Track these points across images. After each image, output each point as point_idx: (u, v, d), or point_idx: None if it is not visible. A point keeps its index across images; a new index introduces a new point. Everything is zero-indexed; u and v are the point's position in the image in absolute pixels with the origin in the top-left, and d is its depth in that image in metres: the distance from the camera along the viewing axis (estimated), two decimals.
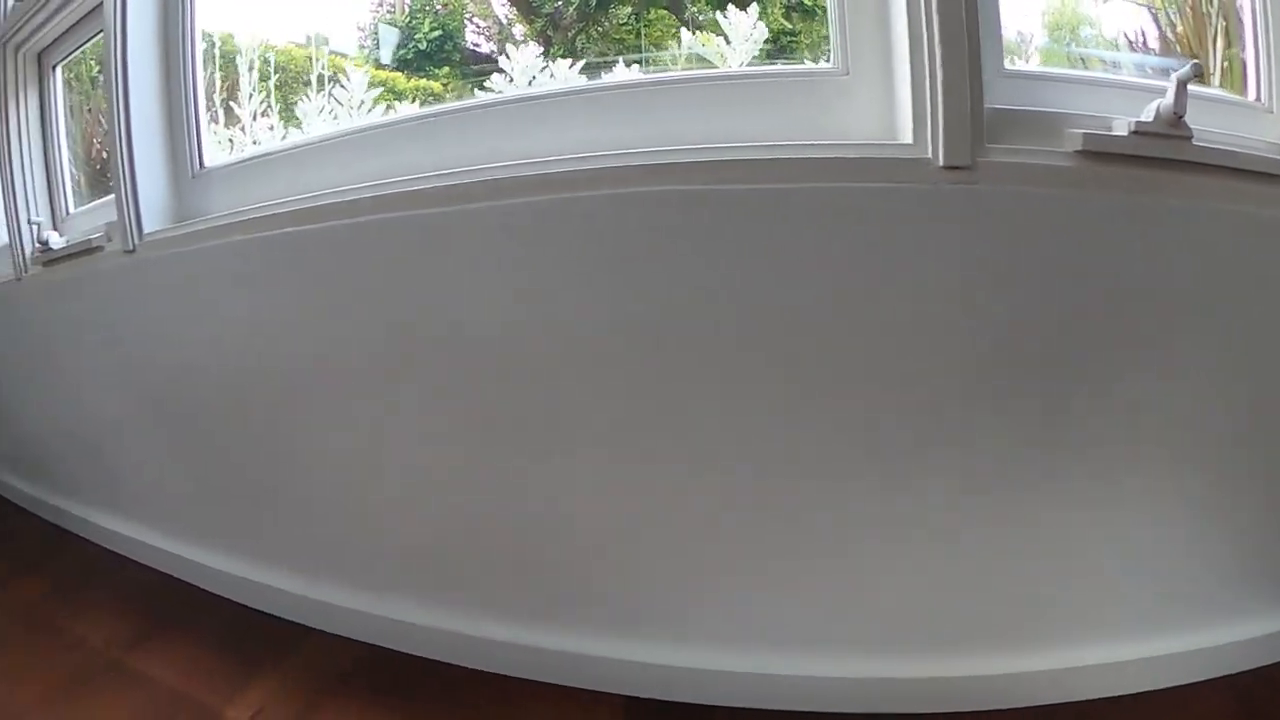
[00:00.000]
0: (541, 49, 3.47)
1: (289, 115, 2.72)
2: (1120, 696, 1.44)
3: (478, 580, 1.67)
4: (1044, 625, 1.42)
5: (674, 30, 3.36)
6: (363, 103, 2.09)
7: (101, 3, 2.20)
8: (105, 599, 2.33)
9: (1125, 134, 1.25)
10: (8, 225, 2.57)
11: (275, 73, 2.47)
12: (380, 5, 3.61)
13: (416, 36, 3.40)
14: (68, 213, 2.58)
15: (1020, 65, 1.60)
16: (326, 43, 3.44)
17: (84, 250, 2.18)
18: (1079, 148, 1.23)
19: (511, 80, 2.01)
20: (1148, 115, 1.25)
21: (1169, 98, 1.24)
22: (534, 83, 2.04)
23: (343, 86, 2.13)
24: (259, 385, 1.83)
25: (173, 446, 2.18)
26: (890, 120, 1.30)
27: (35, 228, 2.39)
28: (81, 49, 2.55)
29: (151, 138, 1.99)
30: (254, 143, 2.26)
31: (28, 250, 2.52)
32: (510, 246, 1.41)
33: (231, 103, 2.29)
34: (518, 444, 1.51)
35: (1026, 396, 1.29)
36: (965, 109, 1.20)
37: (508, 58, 2.09)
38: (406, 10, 3.48)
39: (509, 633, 1.62)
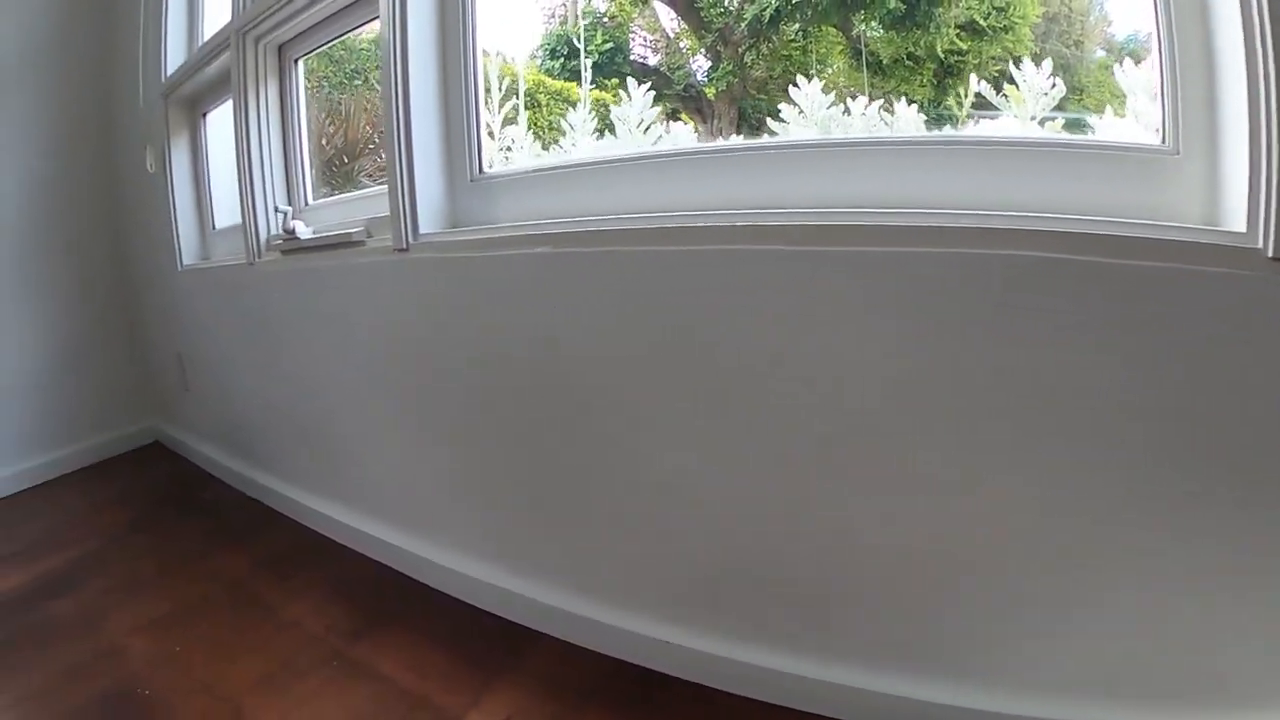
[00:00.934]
0: (711, 63, 3.59)
1: (540, 127, 2.84)
2: None
3: (756, 607, 1.66)
4: None
5: (840, 47, 3.44)
6: (641, 122, 2.10)
7: (347, 6, 2.36)
8: (318, 583, 2.35)
9: None
10: (243, 211, 2.67)
11: (523, 85, 2.57)
12: (553, 17, 3.74)
13: (589, 49, 3.54)
14: (306, 203, 2.67)
15: None
16: (504, 55, 3.59)
17: (340, 243, 2.27)
18: None
19: (802, 112, 1.98)
20: None
21: None
22: (822, 122, 2.01)
23: (622, 103, 2.15)
24: (539, 393, 1.86)
25: (419, 444, 2.22)
26: (1217, 205, 1.27)
27: (282, 216, 2.47)
28: (326, 46, 2.66)
29: (429, 139, 2.04)
30: (503, 150, 2.34)
31: (264, 236, 2.64)
32: (857, 289, 1.42)
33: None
34: (833, 478, 1.51)
35: None
36: None
37: (797, 86, 2.02)
38: (579, 23, 3.61)
39: (782, 662, 1.62)
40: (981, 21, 2.89)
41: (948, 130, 1.96)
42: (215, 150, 3.18)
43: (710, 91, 3.65)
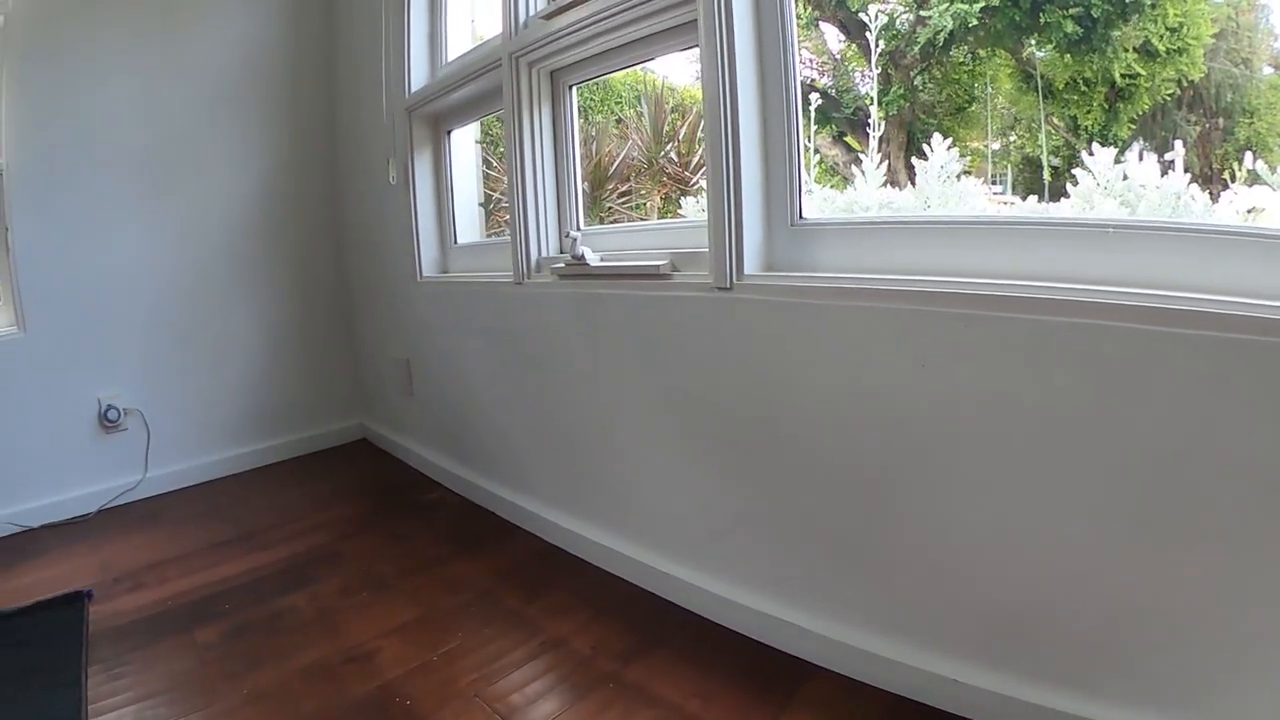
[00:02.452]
0: (881, 86, 3.67)
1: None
2: None
3: (1042, 648, 1.71)
4: None
5: (1008, 70, 3.52)
6: (941, 174, 2.19)
7: (629, 42, 2.47)
8: (573, 602, 2.34)
9: None
10: (513, 232, 2.80)
11: None
12: None
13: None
14: (577, 228, 2.78)
15: None
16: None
17: (646, 274, 2.36)
18: None
19: (1097, 181, 2.04)
20: None
21: None
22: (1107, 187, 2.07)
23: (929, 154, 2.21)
24: (861, 442, 1.92)
25: (710, 474, 2.27)
26: None
27: (572, 241, 2.56)
28: (601, 77, 2.77)
29: (751, 179, 2.12)
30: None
31: (534, 257, 2.77)
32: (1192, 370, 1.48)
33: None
34: (1121, 533, 1.58)
35: None
36: None
37: (1091, 153, 2.08)
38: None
39: (1075, 705, 1.66)
40: (1157, 43, 2.96)
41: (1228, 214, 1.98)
42: (458, 168, 3.31)
43: (880, 115, 3.72)
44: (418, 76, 3.25)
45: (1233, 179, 2.10)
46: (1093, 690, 1.64)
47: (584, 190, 2.97)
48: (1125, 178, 2.10)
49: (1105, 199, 2.08)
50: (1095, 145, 2.14)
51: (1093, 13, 2.89)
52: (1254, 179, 2.01)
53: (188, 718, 1.81)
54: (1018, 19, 3.25)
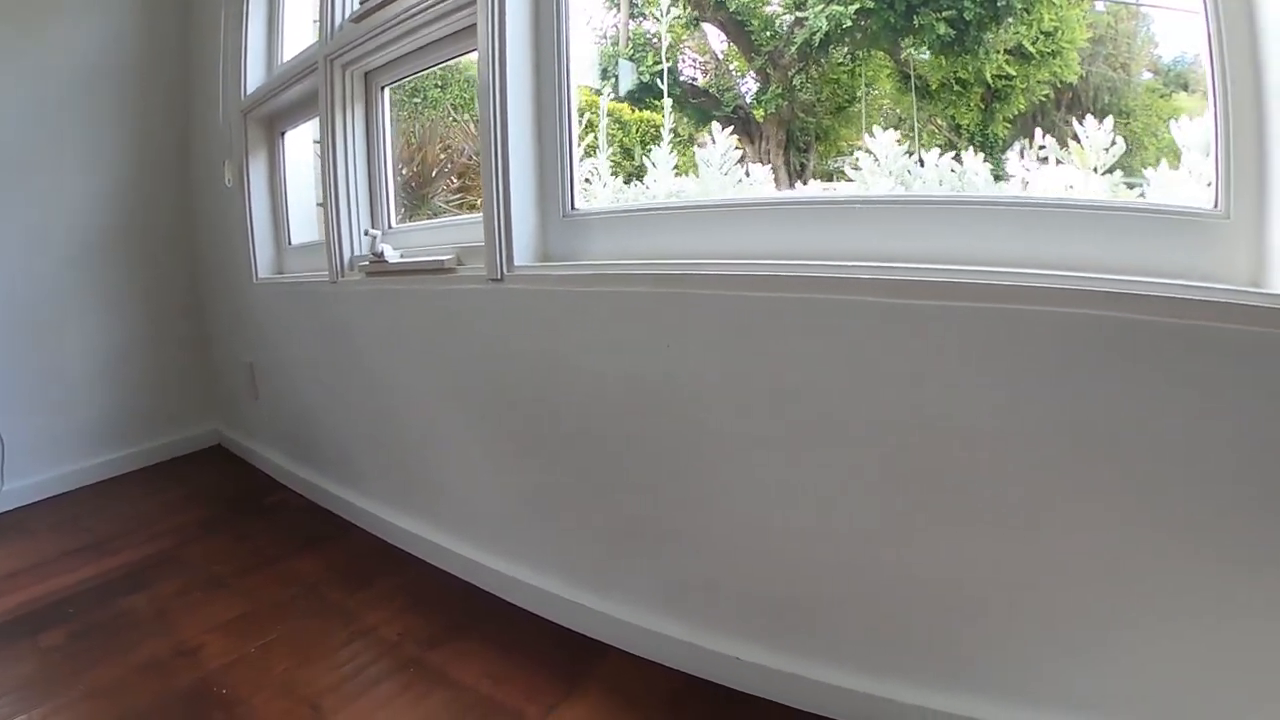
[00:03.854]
0: (760, 85, 3.66)
1: (624, 162, 2.90)
2: None
3: (820, 626, 1.75)
4: None
5: (887, 71, 3.52)
6: (722, 164, 2.17)
7: (433, 42, 2.46)
8: (390, 591, 2.41)
9: None
10: (327, 232, 2.77)
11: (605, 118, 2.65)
12: (604, 38, 3.82)
13: (640, 70, 3.61)
14: (390, 226, 2.76)
15: None
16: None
17: (432, 269, 2.35)
18: None
19: (878, 161, 2.04)
20: None
21: None
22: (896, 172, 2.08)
23: (704, 145, 2.22)
24: (628, 422, 1.95)
25: (499, 461, 2.31)
26: (1263, 267, 1.34)
27: (371, 239, 2.56)
28: (413, 76, 2.76)
29: (524, 173, 2.12)
30: (585, 182, 2.40)
31: (347, 256, 2.74)
32: (908, 339, 1.53)
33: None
34: (900, 514, 1.60)
35: None
36: None
37: (872, 135, 2.09)
38: (630, 44, 3.68)
39: (855, 681, 1.70)
40: (1030, 47, 2.96)
41: (1014, 189, 2.02)
42: (292, 169, 3.28)
43: (759, 114, 3.71)
44: (254, 78, 3.22)
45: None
46: (876, 669, 1.68)
47: (411, 188, 2.95)
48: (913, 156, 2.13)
49: (881, 178, 2.11)
50: (877, 129, 2.13)
51: (965, 15, 2.91)
52: (1044, 156, 2.09)
53: (26, 715, 1.84)
54: (893, 21, 3.26)
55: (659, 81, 3.52)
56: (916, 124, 3.39)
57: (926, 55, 3.22)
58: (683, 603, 1.95)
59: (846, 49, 3.47)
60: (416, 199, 2.98)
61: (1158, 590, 1.42)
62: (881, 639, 1.68)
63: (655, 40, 3.71)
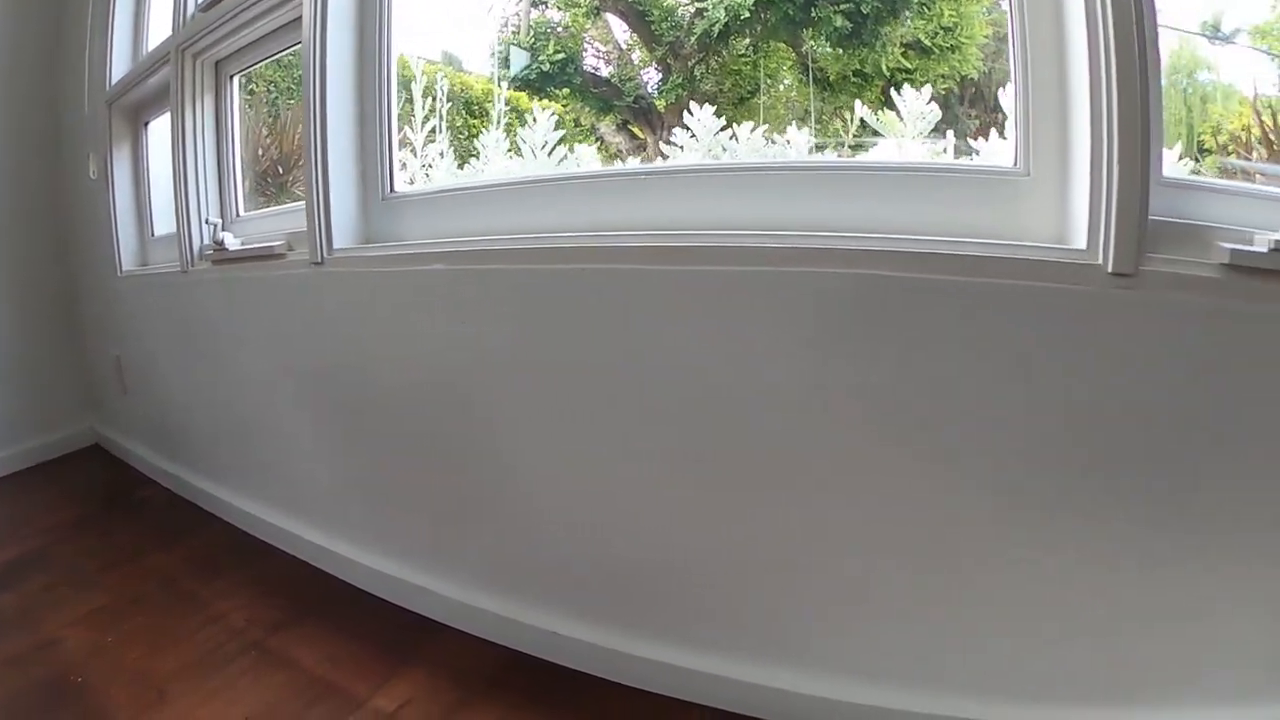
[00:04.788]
0: (662, 76, 3.63)
1: (461, 144, 2.89)
2: None
3: (635, 599, 1.76)
4: (1153, 686, 1.46)
5: (790, 63, 3.50)
6: (545, 144, 2.16)
7: (280, 27, 2.42)
8: (245, 579, 2.45)
9: (1265, 250, 1.27)
10: (178, 222, 2.72)
11: (446, 101, 2.63)
12: (505, 26, 3.78)
13: (540, 59, 3.57)
14: (237, 215, 2.72)
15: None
16: (459, 63, 3.63)
17: (264, 255, 2.33)
18: (1226, 261, 1.27)
19: (694, 137, 2.06)
20: None
21: None
22: (712, 144, 2.10)
23: (528, 127, 2.20)
24: (440, 400, 1.96)
25: (333, 444, 2.31)
26: (1065, 223, 1.37)
27: (211, 228, 2.54)
28: (259, 64, 2.72)
29: (344, 158, 2.11)
30: (425, 167, 2.41)
31: (197, 246, 2.69)
32: (702, 307, 1.53)
33: (406, 127, 2.45)
34: (678, 477, 1.63)
35: (1162, 478, 1.35)
36: (1135, 218, 1.26)
37: (690, 113, 2.11)
38: (530, 32, 3.64)
39: (662, 651, 1.71)
40: (927, 41, 2.96)
41: (828, 156, 2.03)
42: (155, 159, 3.21)
43: (660, 104, 3.68)
44: (119, 68, 3.16)
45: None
46: (685, 640, 1.71)
47: (273, 175, 2.92)
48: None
49: (696, 152, 2.13)
50: (696, 106, 2.14)
51: (863, 9, 2.93)
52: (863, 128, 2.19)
53: None
54: (791, 13, 3.26)
55: (565, 70, 3.50)
56: (814, 115, 3.38)
57: (829, 49, 3.20)
58: (503, 579, 1.98)
59: (748, 41, 3.45)
60: (277, 186, 2.92)
61: (961, 555, 1.45)
62: (690, 611, 1.71)
63: (559, 29, 3.67)
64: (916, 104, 1.91)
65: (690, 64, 3.60)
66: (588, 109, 3.78)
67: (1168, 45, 2.07)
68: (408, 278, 1.94)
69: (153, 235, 3.26)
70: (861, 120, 2.08)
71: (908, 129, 1.92)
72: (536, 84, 3.62)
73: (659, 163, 2.15)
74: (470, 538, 2.02)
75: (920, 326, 1.37)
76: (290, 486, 2.54)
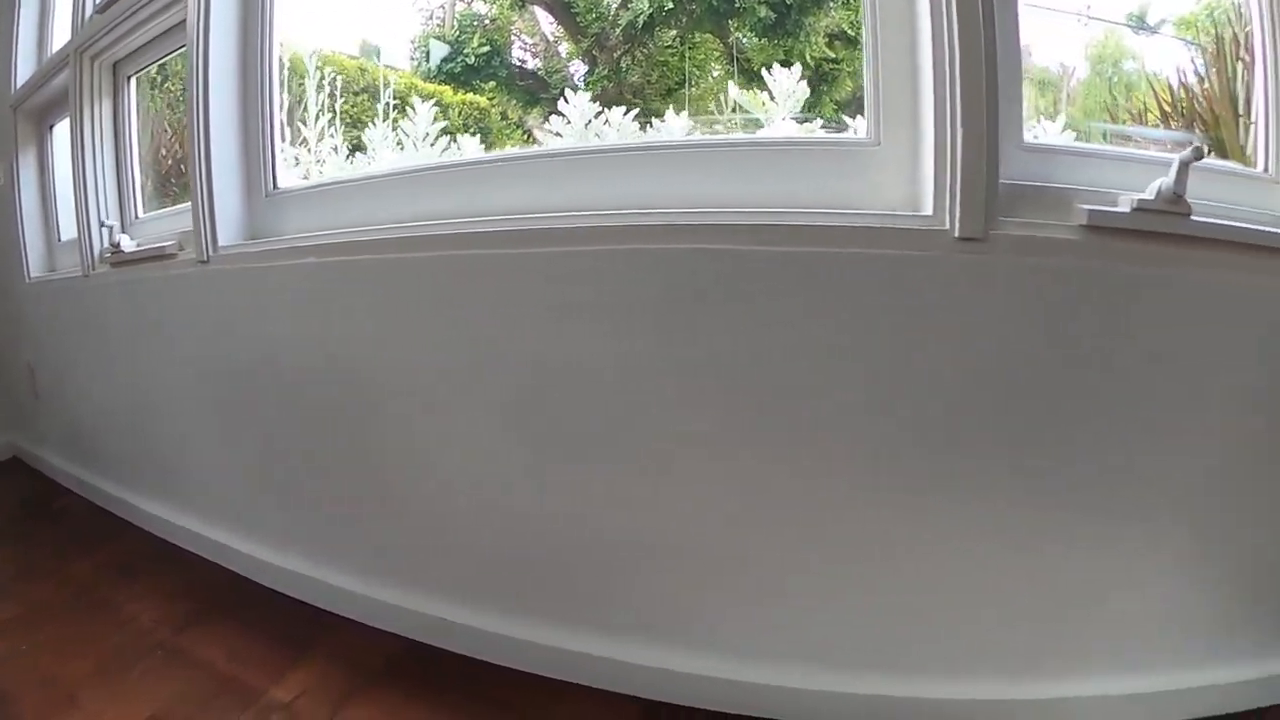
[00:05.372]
0: (588, 68, 3.61)
1: (353, 136, 2.85)
2: None
3: (519, 584, 1.78)
4: (1040, 656, 1.50)
5: (716, 54, 3.49)
6: (427, 135, 2.19)
7: (178, 24, 2.37)
8: (156, 583, 2.45)
9: (1128, 210, 1.32)
10: (78, 225, 2.70)
11: (340, 95, 2.60)
12: (430, 19, 3.74)
13: (465, 51, 3.53)
14: (136, 217, 2.70)
15: (1039, 138, 1.70)
16: (379, 55, 3.58)
17: (156, 255, 2.32)
18: (1084, 222, 1.30)
19: (569, 123, 2.11)
20: (1150, 193, 1.31)
21: (1170, 177, 1.30)
22: (590, 126, 2.15)
23: (409, 119, 2.22)
24: (322, 392, 1.96)
25: (228, 442, 2.31)
26: (915, 191, 1.39)
27: (107, 230, 2.51)
28: (156, 63, 2.69)
29: (229, 156, 2.11)
30: (318, 162, 2.38)
31: (96, 249, 2.66)
32: (563, 287, 1.55)
33: (299, 121, 2.42)
34: (560, 460, 1.64)
35: (1028, 445, 1.38)
36: (981, 184, 1.29)
37: (566, 101, 2.16)
38: (455, 25, 3.60)
39: (544, 635, 1.73)
40: (851, 31, 2.96)
41: (697, 135, 2.03)
42: (60, 163, 3.16)
43: (588, 96, 3.64)
44: (24, 71, 3.11)
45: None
46: (578, 623, 1.73)
47: (175, 175, 2.89)
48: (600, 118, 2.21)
49: (571, 137, 2.19)
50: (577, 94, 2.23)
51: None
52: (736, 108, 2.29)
53: None
54: (716, 3, 3.25)
55: (491, 63, 3.47)
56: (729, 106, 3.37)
57: (755, 40, 3.20)
58: (394, 569, 2.00)
59: (675, 32, 3.43)
60: (180, 186, 2.88)
61: (826, 532, 1.47)
62: (571, 594, 1.74)
63: (485, 22, 3.64)
64: (787, 82, 1.91)
65: (616, 55, 3.59)
66: (515, 102, 3.75)
67: (1093, 36, 2.12)
68: (289, 272, 1.94)
69: (59, 240, 3.22)
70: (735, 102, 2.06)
71: (779, 108, 1.90)
72: (462, 77, 3.58)
73: (532, 148, 2.14)
74: (366, 528, 2.03)
75: (763, 299, 1.39)
76: (196, 489, 2.54)
